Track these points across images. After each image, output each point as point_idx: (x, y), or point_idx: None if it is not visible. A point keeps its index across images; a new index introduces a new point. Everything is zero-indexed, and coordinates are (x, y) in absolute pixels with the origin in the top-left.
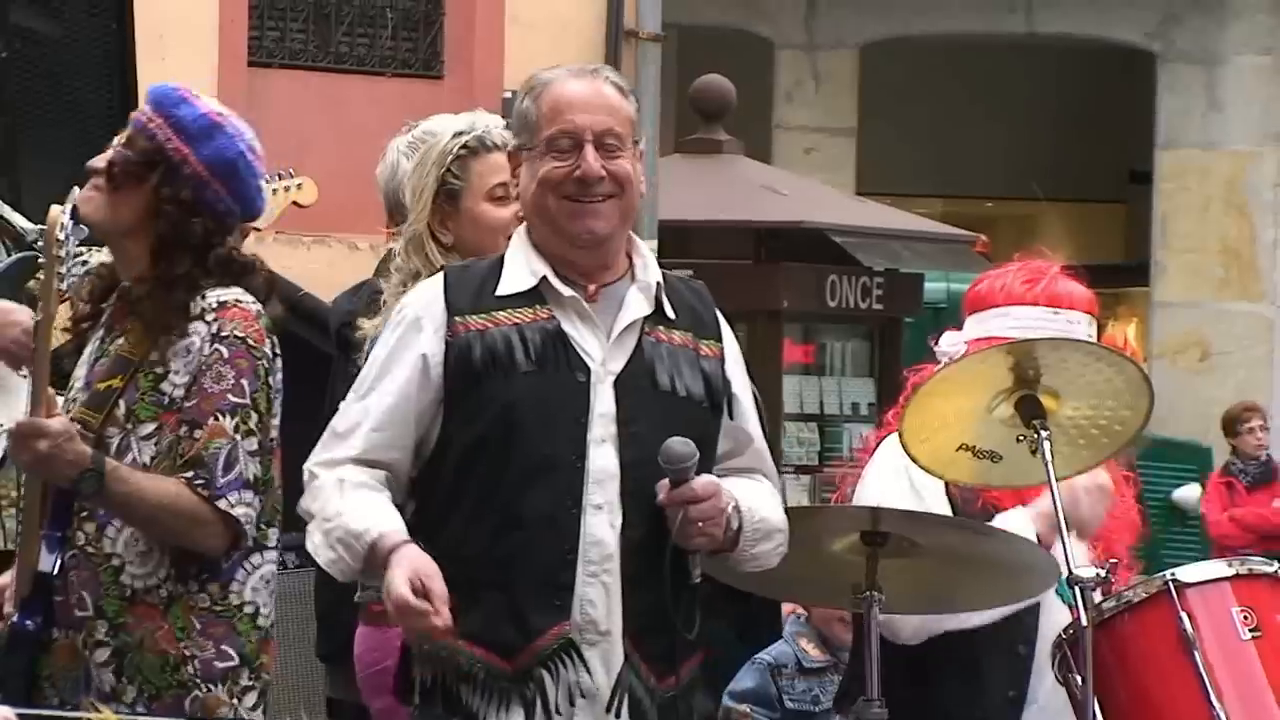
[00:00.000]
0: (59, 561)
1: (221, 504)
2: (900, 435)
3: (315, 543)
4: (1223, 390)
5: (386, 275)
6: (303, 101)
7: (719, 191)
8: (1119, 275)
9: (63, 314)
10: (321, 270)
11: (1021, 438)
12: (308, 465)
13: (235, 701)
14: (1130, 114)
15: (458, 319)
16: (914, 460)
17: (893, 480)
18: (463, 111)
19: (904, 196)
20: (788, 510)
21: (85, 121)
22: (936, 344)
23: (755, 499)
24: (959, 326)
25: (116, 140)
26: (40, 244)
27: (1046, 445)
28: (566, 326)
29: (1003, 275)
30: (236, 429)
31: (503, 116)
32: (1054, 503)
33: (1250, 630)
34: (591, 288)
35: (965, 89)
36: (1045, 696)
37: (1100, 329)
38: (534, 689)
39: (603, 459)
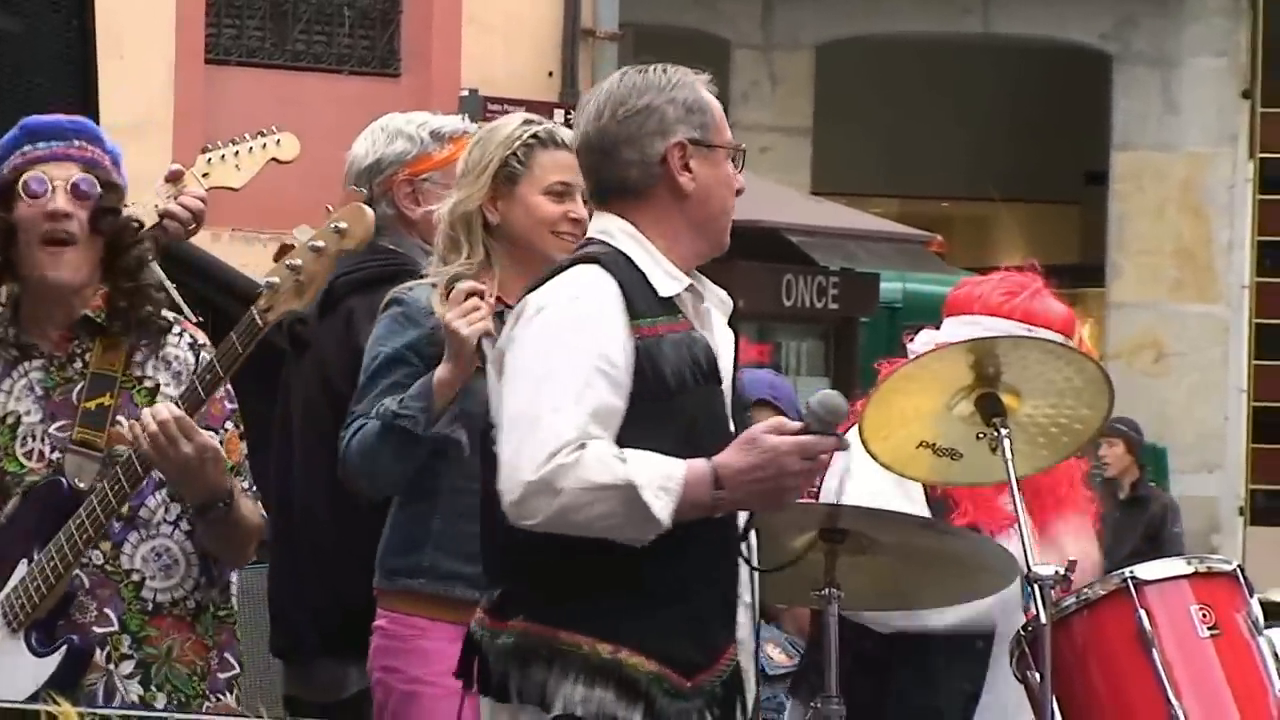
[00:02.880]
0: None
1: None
2: (860, 432)
3: (648, 500)
4: (1177, 391)
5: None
6: (260, 98)
7: None
8: (1074, 276)
9: None
10: None
11: (981, 435)
12: (542, 474)
13: (243, 709)
14: (1086, 115)
15: (639, 321)
16: (874, 457)
17: (878, 473)
18: (419, 109)
19: (859, 196)
20: None
21: None
22: (911, 340)
23: None
24: (917, 326)
25: (68, 179)
26: None
27: (1006, 443)
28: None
29: (984, 284)
30: (242, 436)
31: (460, 114)
32: (1014, 501)
33: (1209, 628)
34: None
35: (921, 89)
36: (998, 690)
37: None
38: (719, 711)
39: None
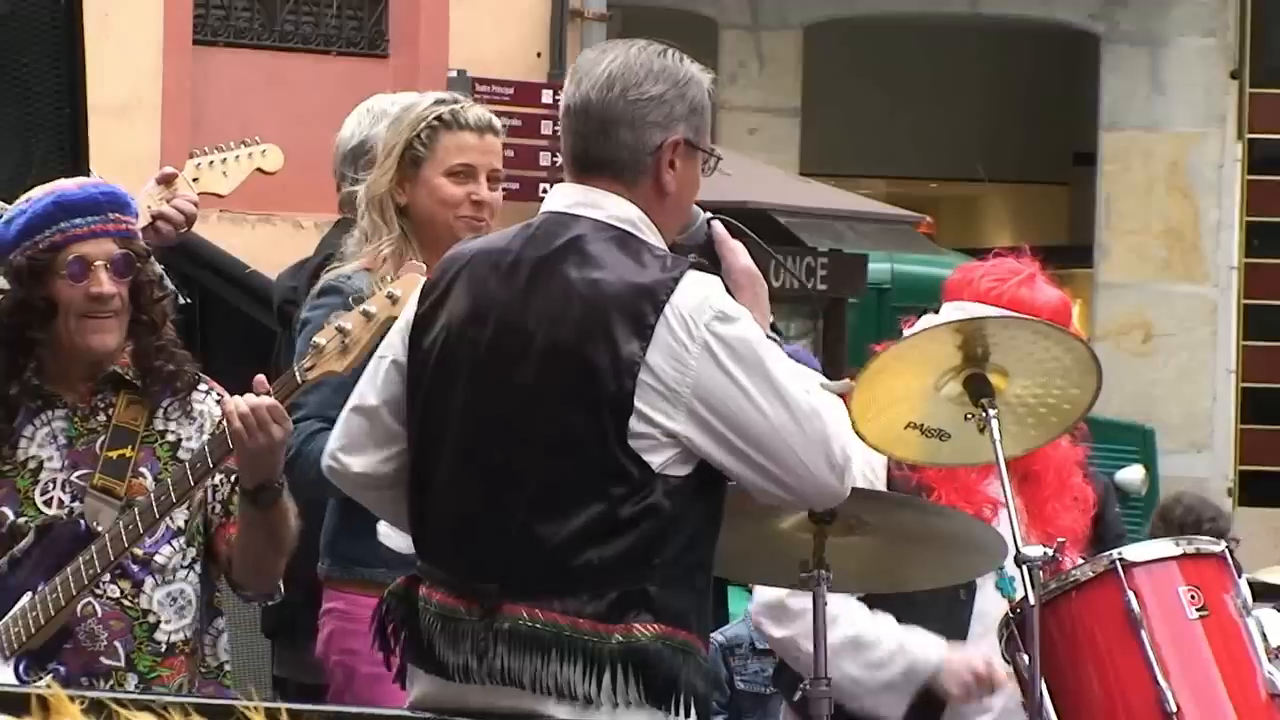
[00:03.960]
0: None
1: None
2: (849, 413)
3: None
4: (1165, 372)
5: (334, 249)
6: (247, 80)
7: None
8: (1062, 257)
9: None
10: (266, 248)
11: (970, 416)
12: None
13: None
14: (1074, 95)
15: None
16: (862, 438)
17: None
18: (407, 90)
19: (848, 177)
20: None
21: (33, 100)
22: (909, 326)
23: None
24: (913, 311)
25: (107, 256)
26: None
27: (994, 424)
28: None
29: (978, 269)
30: None
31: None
32: (1002, 483)
33: (1197, 609)
34: None
35: (909, 70)
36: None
37: None
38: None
39: None
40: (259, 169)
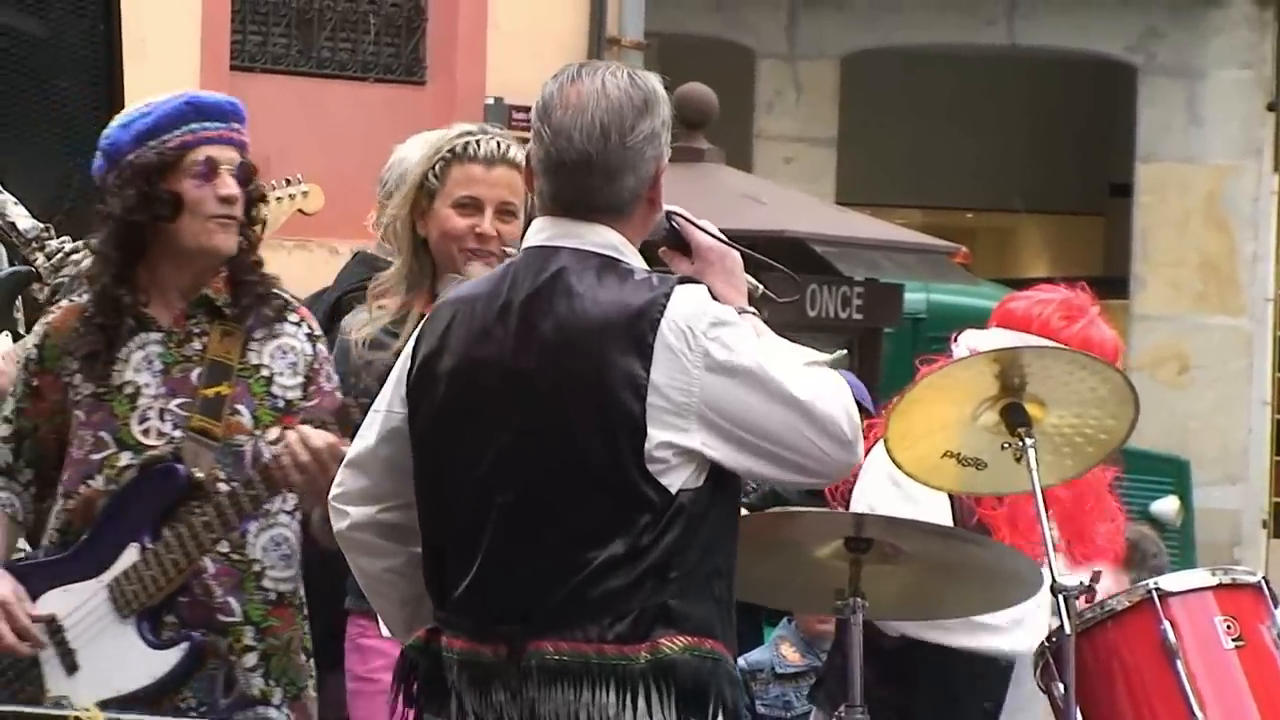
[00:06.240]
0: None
1: None
2: (885, 441)
3: None
4: (1200, 404)
5: (351, 283)
6: (285, 106)
7: (699, 200)
8: (1098, 288)
9: None
10: (303, 274)
11: (1006, 445)
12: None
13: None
14: (1110, 127)
15: None
16: (899, 466)
17: (885, 487)
18: (444, 117)
19: (884, 207)
20: (770, 517)
21: (70, 122)
22: (955, 341)
23: None
24: (939, 338)
25: (232, 162)
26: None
27: (1031, 453)
28: None
29: (1043, 305)
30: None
31: (484, 122)
32: (1038, 512)
33: (1233, 640)
34: None
35: (946, 100)
36: (1025, 704)
37: None
38: None
39: None
40: (300, 210)
